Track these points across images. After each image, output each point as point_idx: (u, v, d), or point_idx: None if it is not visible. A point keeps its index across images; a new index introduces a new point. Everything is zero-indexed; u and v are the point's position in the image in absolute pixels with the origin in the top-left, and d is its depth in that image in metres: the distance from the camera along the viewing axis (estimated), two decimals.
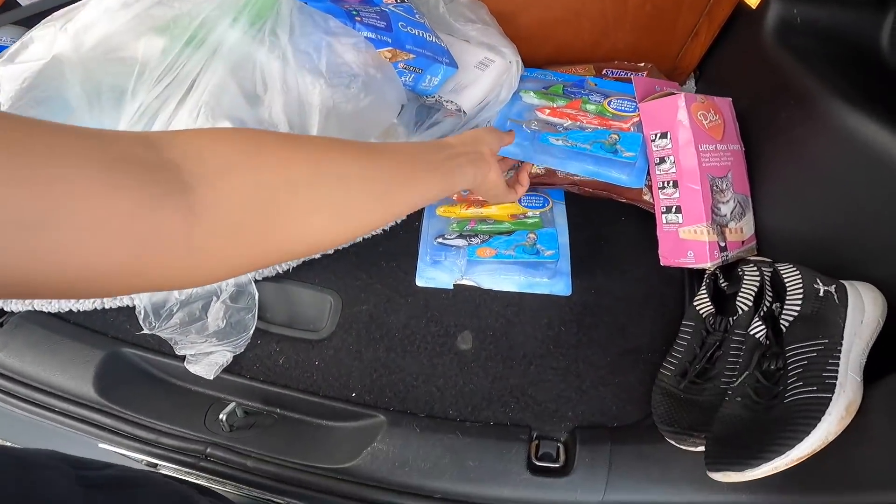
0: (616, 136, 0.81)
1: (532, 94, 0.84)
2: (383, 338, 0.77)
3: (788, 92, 0.76)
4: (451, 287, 0.79)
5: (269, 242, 0.41)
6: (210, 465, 0.71)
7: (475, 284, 0.78)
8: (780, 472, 0.58)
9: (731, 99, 0.84)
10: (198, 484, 0.74)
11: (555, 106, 0.82)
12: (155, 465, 0.75)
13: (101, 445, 0.74)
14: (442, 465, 0.68)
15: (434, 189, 0.59)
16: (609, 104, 0.83)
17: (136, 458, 0.74)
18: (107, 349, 0.74)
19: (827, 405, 0.59)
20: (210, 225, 0.36)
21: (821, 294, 0.68)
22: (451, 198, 0.86)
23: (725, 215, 0.78)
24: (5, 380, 0.74)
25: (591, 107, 0.82)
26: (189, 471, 0.71)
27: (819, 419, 0.58)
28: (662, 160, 0.79)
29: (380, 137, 0.77)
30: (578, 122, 0.81)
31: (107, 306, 0.76)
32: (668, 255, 0.80)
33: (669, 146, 0.78)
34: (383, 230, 0.83)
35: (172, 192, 0.34)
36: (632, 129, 0.79)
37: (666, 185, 0.79)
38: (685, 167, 0.77)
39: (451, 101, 0.79)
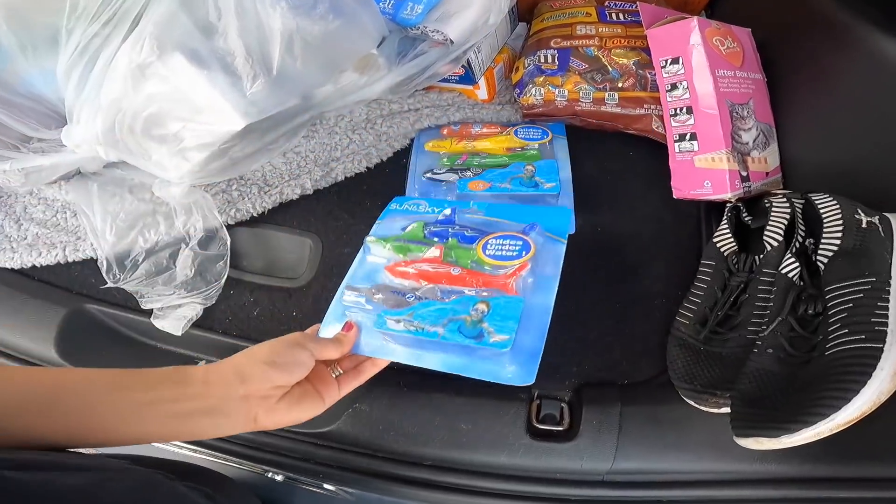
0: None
1: (381, 242, 0.61)
2: None
3: (815, 21, 0.67)
4: None
5: None
6: None
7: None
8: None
9: (749, 29, 0.74)
10: (183, 463, 0.67)
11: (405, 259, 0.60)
12: None
13: None
14: (431, 428, 0.59)
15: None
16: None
17: None
18: (69, 306, 0.67)
19: (878, 357, 0.48)
20: None
21: (863, 225, 0.57)
22: (440, 133, 0.76)
23: (747, 143, 0.67)
24: None
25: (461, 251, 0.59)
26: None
27: (870, 374, 0.47)
28: (674, 86, 0.69)
29: (357, 68, 0.67)
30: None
31: (69, 259, 0.69)
32: (682, 187, 0.69)
33: (682, 71, 0.68)
34: (367, 167, 0.73)
35: None
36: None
37: (679, 111, 0.69)
38: (700, 92, 0.67)
39: (438, 31, 0.68)
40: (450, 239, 0.60)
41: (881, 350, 0.49)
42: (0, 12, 0.57)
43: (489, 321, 0.52)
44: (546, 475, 0.60)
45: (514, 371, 0.51)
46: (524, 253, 0.57)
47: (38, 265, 0.69)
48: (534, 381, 0.50)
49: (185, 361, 0.66)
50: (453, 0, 0.70)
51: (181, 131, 0.61)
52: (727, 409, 0.56)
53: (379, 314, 0.55)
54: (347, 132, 0.73)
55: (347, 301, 0.58)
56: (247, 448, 0.63)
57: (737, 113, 0.67)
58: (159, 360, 0.67)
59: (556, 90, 0.74)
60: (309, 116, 0.69)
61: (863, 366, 0.48)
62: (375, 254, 0.61)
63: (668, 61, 0.69)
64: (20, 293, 0.67)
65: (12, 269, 0.69)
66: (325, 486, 0.67)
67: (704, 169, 0.67)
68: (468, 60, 0.71)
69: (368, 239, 0.61)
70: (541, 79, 0.75)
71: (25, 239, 0.69)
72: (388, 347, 0.55)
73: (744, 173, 0.66)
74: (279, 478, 0.68)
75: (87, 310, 0.67)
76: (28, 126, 0.64)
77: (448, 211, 0.64)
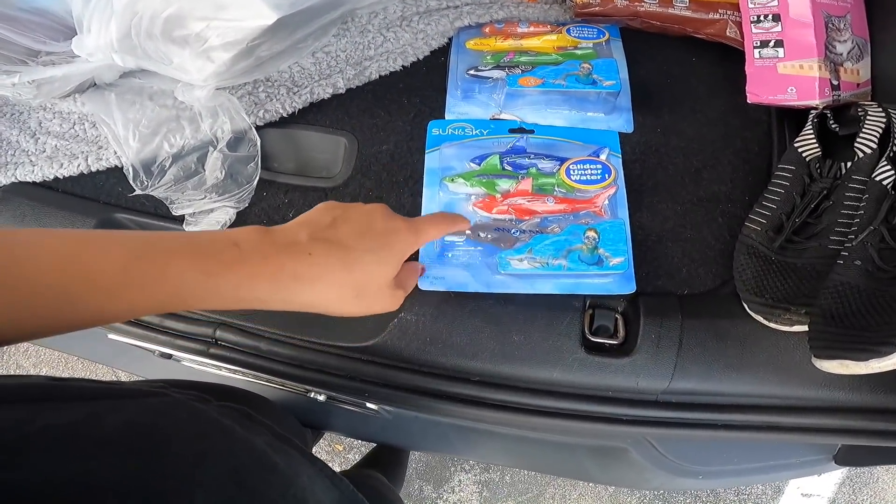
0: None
1: (460, 179, 0.55)
2: (407, 180, 0.57)
3: None
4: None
5: None
6: (220, 351, 0.55)
7: (516, 119, 0.58)
8: None
9: None
10: (220, 385, 0.60)
11: (497, 195, 0.54)
12: (169, 356, 0.61)
13: (110, 336, 0.59)
14: (481, 339, 0.50)
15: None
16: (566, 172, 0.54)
17: (147, 348, 0.60)
18: (98, 216, 0.57)
19: None
20: None
21: None
22: (482, 31, 0.64)
23: (842, 54, 0.56)
24: None
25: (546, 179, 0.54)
26: (200, 359, 0.57)
27: None
28: None
29: None
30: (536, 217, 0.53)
31: (92, 168, 0.59)
32: (761, 92, 0.57)
33: None
34: (402, 66, 0.61)
35: None
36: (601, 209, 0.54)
37: (762, 18, 0.57)
38: (797, 3, 0.55)
39: None
40: (530, 168, 0.55)
41: None
42: None
43: (603, 247, 0.52)
44: (599, 392, 0.51)
45: (618, 281, 0.51)
46: (607, 175, 0.55)
47: (60, 177, 0.58)
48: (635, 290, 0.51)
49: None
50: None
51: (205, 30, 0.51)
52: (799, 328, 0.47)
53: (499, 255, 0.51)
54: (381, 30, 0.60)
55: (452, 242, 0.52)
56: (290, 367, 0.55)
57: (833, 24, 0.55)
58: None
59: None
60: (340, 13, 0.57)
61: None
62: (455, 190, 0.53)
63: None
64: (45, 206, 0.58)
65: (34, 183, 0.60)
66: (368, 404, 0.61)
67: (789, 75, 0.55)
68: None
69: (445, 178, 0.54)
70: None
71: (44, 152, 0.59)
72: (500, 280, 0.51)
73: (835, 82, 0.55)
74: (321, 398, 0.61)
75: (116, 219, 0.58)
76: (34, 40, 0.53)
77: (520, 141, 0.57)
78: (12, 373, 1.41)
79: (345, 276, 0.36)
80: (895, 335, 0.40)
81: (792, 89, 0.56)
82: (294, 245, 0.36)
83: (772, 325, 0.49)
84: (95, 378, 0.47)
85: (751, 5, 0.58)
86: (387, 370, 0.53)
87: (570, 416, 0.53)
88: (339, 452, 1.32)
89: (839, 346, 0.42)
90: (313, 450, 1.02)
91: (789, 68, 0.56)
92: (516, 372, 0.51)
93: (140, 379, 0.61)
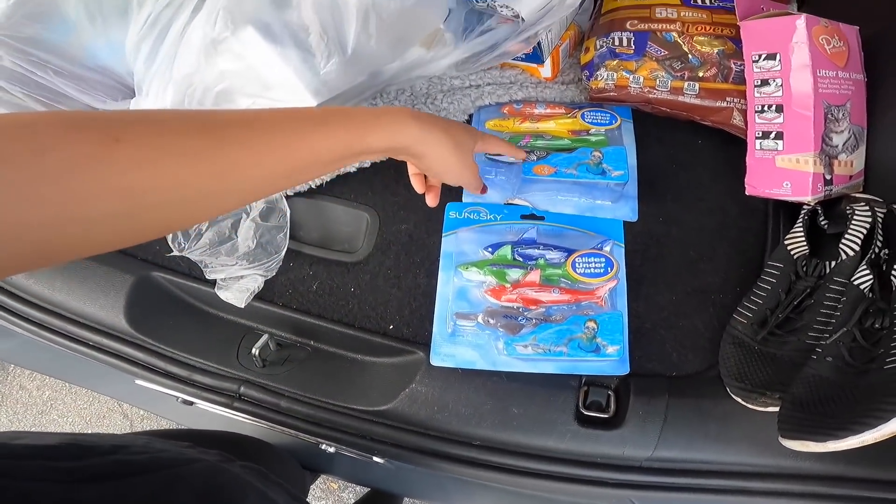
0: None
1: (473, 268, 0.63)
2: (423, 262, 0.67)
3: None
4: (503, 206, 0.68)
5: (61, 259, 0.33)
6: (243, 405, 0.66)
7: (528, 205, 0.67)
8: None
9: (858, 28, 0.67)
10: (235, 436, 0.69)
11: (507, 284, 0.63)
12: (191, 403, 0.71)
13: (138, 382, 0.70)
14: (484, 410, 0.61)
15: (339, 163, 0.45)
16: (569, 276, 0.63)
17: (171, 395, 0.69)
18: (137, 273, 0.68)
19: None
20: None
21: None
22: (500, 111, 0.72)
23: (837, 146, 0.64)
24: (36, 310, 0.69)
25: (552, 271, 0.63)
26: (224, 410, 0.67)
27: None
28: (765, 82, 0.64)
29: (423, 43, 0.64)
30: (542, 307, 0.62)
31: None
32: (758, 184, 0.66)
33: (777, 68, 0.63)
34: None
35: None
36: (602, 301, 0.63)
37: (766, 108, 0.65)
38: (797, 92, 0.62)
39: (507, 6, 0.63)
40: (538, 259, 0.64)
41: None
42: None
43: (601, 336, 0.61)
44: (588, 459, 0.61)
45: (614, 363, 0.60)
46: (609, 269, 0.63)
47: None
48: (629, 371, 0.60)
49: (246, 332, 0.68)
50: None
51: (250, 107, 0.60)
52: (773, 409, 0.57)
53: (507, 341, 0.61)
54: (407, 106, 0.70)
55: (463, 325, 0.62)
56: (307, 423, 0.65)
57: (832, 115, 0.63)
58: (225, 329, 0.69)
59: (631, 76, 0.70)
60: (372, 92, 0.66)
61: None
62: (469, 278, 0.64)
63: (763, 56, 0.64)
64: (88, 259, 0.68)
65: None
66: (375, 459, 0.70)
67: (786, 169, 0.64)
68: (539, 39, 0.66)
69: (460, 266, 0.64)
70: (614, 62, 0.70)
71: None
72: (505, 360, 0.60)
73: (828, 177, 0.63)
74: (331, 449, 0.70)
75: (153, 278, 0.68)
76: (95, 98, 0.62)
77: (530, 232, 0.66)
78: (15, 393, 1.50)
79: (447, 133, 0.52)
80: (851, 422, 0.49)
81: (787, 184, 0.64)
82: (410, 109, 0.50)
83: (749, 405, 0.59)
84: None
85: (757, 94, 0.66)
86: (397, 432, 0.63)
87: (562, 479, 0.62)
88: (333, 490, 1.42)
89: (803, 429, 0.52)
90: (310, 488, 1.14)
91: (786, 162, 0.65)
92: (514, 439, 0.62)
93: (150, 428, 0.70)
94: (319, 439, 0.67)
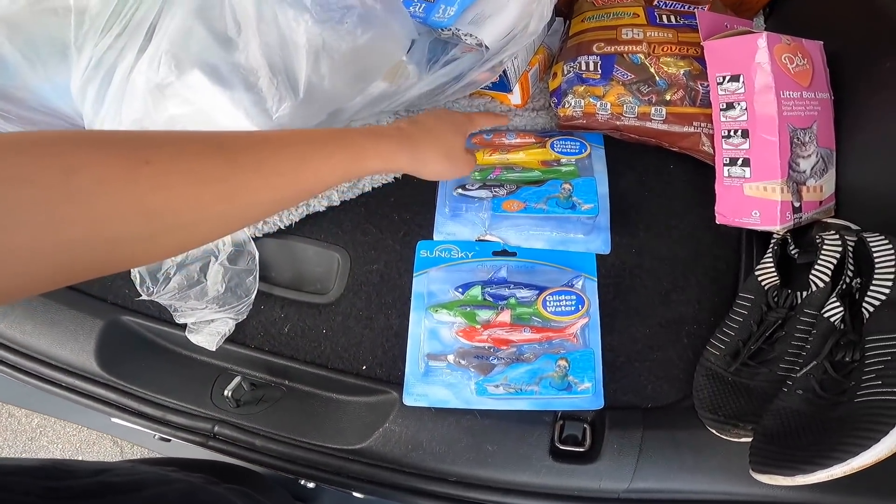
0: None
1: (443, 310, 0.64)
2: (395, 302, 0.67)
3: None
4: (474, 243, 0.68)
5: (81, 278, 0.33)
6: (218, 444, 0.66)
7: (500, 241, 0.68)
8: None
9: (822, 43, 0.67)
10: (221, 463, 0.70)
11: (477, 325, 0.63)
12: (168, 439, 0.71)
13: (114, 420, 0.70)
14: (458, 448, 0.62)
15: (334, 185, 0.50)
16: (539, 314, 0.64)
17: (147, 433, 0.70)
18: (106, 317, 0.68)
19: None
20: None
21: None
22: (470, 141, 0.72)
23: (805, 171, 0.64)
24: (10, 353, 0.70)
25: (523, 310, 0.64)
26: (200, 449, 0.67)
27: (893, 426, 0.47)
28: (730, 105, 0.64)
29: (386, 77, 0.64)
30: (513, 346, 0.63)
31: None
32: (728, 214, 0.66)
33: (741, 91, 0.63)
34: (395, 177, 0.72)
35: None
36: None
37: (732, 133, 0.65)
38: (761, 115, 0.62)
39: (471, 35, 0.63)
40: (509, 299, 0.65)
41: None
42: (3, 31, 0.54)
43: (572, 374, 0.62)
44: (565, 493, 0.62)
45: (588, 398, 0.61)
46: (580, 307, 0.64)
47: None
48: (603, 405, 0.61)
49: (220, 372, 0.69)
50: (489, 2, 0.64)
51: None
52: (746, 439, 0.58)
53: (478, 382, 0.62)
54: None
55: (435, 366, 0.63)
56: (283, 461, 0.66)
57: (798, 139, 0.63)
58: (198, 370, 0.70)
59: (598, 102, 0.70)
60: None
61: (888, 416, 0.48)
62: (439, 319, 0.64)
63: (727, 78, 0.64)
64: (56, 303, 0.69)
65: None
66: (355, 494, 0.70)
67: (754, 198, 0.64)
68: (504, 67, 0.66)
69: (430, 308, 0.65)
70: (581, 88, 0.70)
71: None
72: (478, 399, 0.61)
73: (796, 204, 0.64)
74: (311, 485, 0.71)
75: (123, 321, 0.69)
76: None
77: (500, 271, 0.67)
78: (3, 420, 1.51)
79: (436, 145, 0.57)
80: (820, 456, 0.50)
81: (756, 213, 0.65)
82: (399, 130, 0.55)
83: (724, 436, 0.60)
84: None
85: (723, 119, 0.65)
86: (372, 469, 0.64)
87: None
88: None
89: (772, 464, 0.53)
90: None
91: (755, 190, 0.65)
92: (490, 475, 0.62)
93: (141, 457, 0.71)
94: (297, 476, 0.67)
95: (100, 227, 0.31)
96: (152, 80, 0.53)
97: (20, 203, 0.28)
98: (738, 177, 0.65)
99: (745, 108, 0.63)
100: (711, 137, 0.68)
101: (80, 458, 1.43)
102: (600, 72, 0.70)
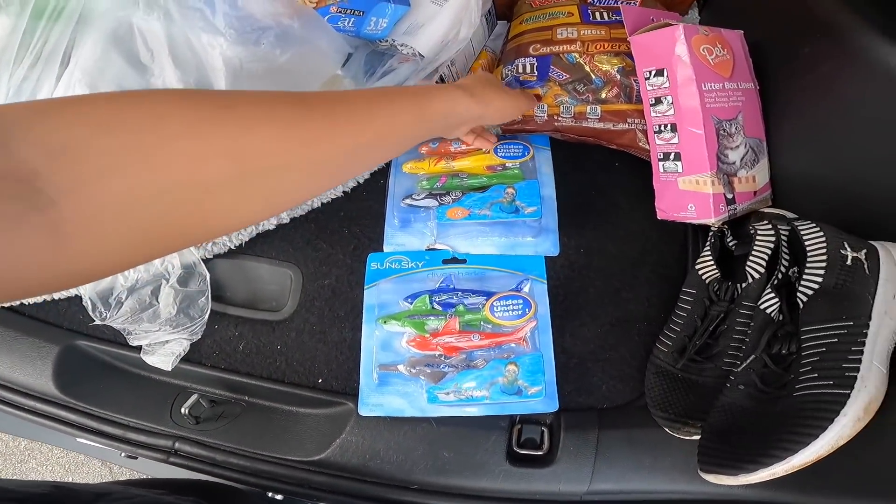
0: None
1: (392, 320, 0.64)
2: (348, 315, 0.68)
3: (815, 24, 0.61)
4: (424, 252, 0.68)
5: (172, 242, 0.35)
6: (180, 460, 0.67)
7: (449, 249, 0.68)
8: None
9: (742, 31, 0.67)
10: (213, 484, 0.71)
11: (426, 334, 0.64)
12: (135, 457, 0.72)
13: (79, 440, 0.71)
14: (415, 456, 0.62)
15: (411, 135, 0.51)
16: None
17: (114, 450, 0.71)
18: (62, 343, 0.69)
19: (843, 404, 0.49)
20: (82, 245, 0.29)
21: (848, 262, 0.55)
22: (418, 151, 0.73)
23: (734, 163, 0.64)
24: None
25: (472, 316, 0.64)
26: (162, 465, 0.68)
27: (831, 420, 0.48)
28: (658, 100, 0.64)
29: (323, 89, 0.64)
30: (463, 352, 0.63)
31: (56, 297, 0.70)
32: (667, 209, 0.67)
33: (666, 85, 0.63)
34: (343, 191, 0.72)
35: (30, 209, 0.27)
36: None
37: (663, 128, 0.65)
38: (685, 108, 0.62)
39: (406, 45, 0.63)
40: (458, 306, 0.65)
41: (847, 396, 0.49)
42: None
43: (522, 378, 0.61)
44: (525, 496, 0.63)
45: (542, 401, 0.60)
46: (527, 310, 0.64)
47: (26, 303, 0.70)
48: (558, 407, 0.60)
49: (179, 391, 0.69)
50: (420, 11, 0.65)
51: None
52: (698, 437, 0.58)
53: (428, 390, 0.61)
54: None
55: (387, 375, 0.63)
56: (245, 475, 0.66)
57: (724, 130, 0.63)
58: (157, 389, 0.70)
59: (536, 104, 0.70)
60: None
61: (826, 411, 0.49)
62: (389, 330, 0.64)
63: (653, 73, 0.64)
64: (13, 331, 0.70)
65: (3, 307, 0.70)
66: None
67: (688, 191, 0.64)
68: (441, 74, 0.67)
69: (379, 320, 0.65)
70: None
71: None
72: (433, 406, 0.61)
73: (729, 196, 0.64)
74: (279, 497, 0.72)
75: (79, 346, 0.69)
76: None
77: (444, 283, 0.67)
78: None
79: (494, 85, 0.59)
80: (762, 455, 0.50)
81: (692, 206, 0.65)
82: (458, 83, 0.58)
83: (676, 435, 0.60)
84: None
85: (653, 114, 0.65)
86: (333, 479, 0.65)
87: None
88: None
89: (717, 462, 0.53)
90: None
91: (688, 184, 0.65)
92: (449, 482, 0.63)
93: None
94: (260, 489, 0.68)
95: (192, 170, 0.33)
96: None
97: (116, 148, 0.30)
98: (672, 171, 0.65)
99: (672, 103, 0.63)
100: (646, 133, 0.68)
101: (69, 480, 1.44)
102: (536, 73, 0.70)
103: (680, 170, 0.64)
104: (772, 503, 0.60)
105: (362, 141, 0.43)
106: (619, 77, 0.68)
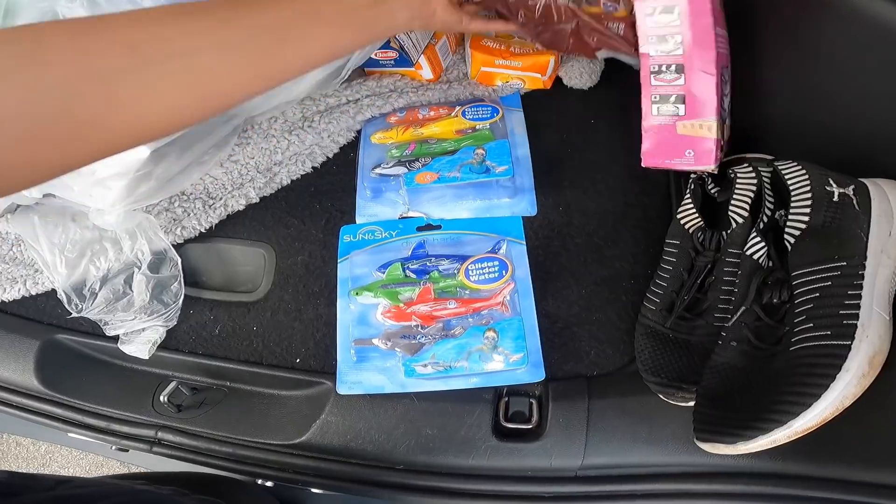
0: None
1: (365, 291, 0.62)
2: (322, 291, 0.65)
3: None
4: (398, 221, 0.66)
5: (87, 131, 0.36)
6: (163, 449, 0.65)
7: (423, 216, 0.65)
8: None
9: None
10: (197, 474, 0.70)
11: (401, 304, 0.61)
12: (126, 450, 0.71)
13: (71, 435, 0.70)
14: (396, 434, 0.59)
15: (342, 43, 0.49)
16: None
17: (103, 445, 0.70)
18: (41, 337, 0.68)
19: (844, 357, 0.44)
20: None
21: (835, 198, 0.51)
22: (386, 122, 0.70)
23: (726, 109, 0.60)
24: None
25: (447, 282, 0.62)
26: (147, 455, 0.67)
27: (833, 377, 0.43)
28: (663, 39, 0.58)
29: None
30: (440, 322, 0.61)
31: (31, 292, 0.69)
32: (656, 155, 0.61)
33: (676, 23, 0.57)
34: (313, 167, 0.69)
35: None
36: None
37: (664, 69, 0.59)
38: (700, 50, 0.57)
39: None
40: (431, 273, 0.62)
41: (848, 348, 0.44)
42: None
43: (502, 345, 0.59)
44: (517, 474, 0.59)
45: (527, 371, 0.58)
46: (504, 272, 0.61)
47: (4, 300, 0.69)
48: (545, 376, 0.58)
49: (160, 380, 0.68)
50: None
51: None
52: (692, 403, 0.53)
53: (404, 363, 0.59)
54: (284, 133, 0.67)
55: (363, 350, 0.61)
56: (228, 461, 0.64)
57: (724, 77, 0.59)
58: (138, 379, 0.68)
59: None
60: (234, 125, 0.64)
61: (826, 366, 0.44)
62: (363, 302, 0.62)
63: (658, 9, 0.57)
64: None
65: None
66: (312, 490, 0.69)
67: (687, 136, 0.59)
68: (399, 42, 0.64)
69: (352, 291, 0.62)
70: None
71: None
72: (414, 381, 0.59)
73: (722, 142, 0.60)
74: (269, 483, 0.70)
75: (59, 340, 0.68)
76: None
77: (418, 249, 0.64)
78: (13, 449, 1.54)
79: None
80: (760, 419, 0.45)
81: (690, 152, 0.60)
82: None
83: (672, 401, 0.56)
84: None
85: (653, 53, 0.59)
86: (317, 461, 0.62)
87: (493, 497, 0.60)
88: None
89: (713, 430, 0.49)
90: None
91: (688, 128, 0.60)
92: (434, 461, 0.60)
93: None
94: (247, 476, 0.66)
95: (82, 63, 0.34)
96: None
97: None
98: (670, 114, 0.59)
99: (681, 42, 0.57)
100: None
101: None
102: None
103: (681, 113, 0.59)
104: (783, 474, 0.55)
105: (273, 22, 0.43)
106: None
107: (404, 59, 0.68)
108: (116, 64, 0.35)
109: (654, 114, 0.61)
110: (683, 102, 0.59)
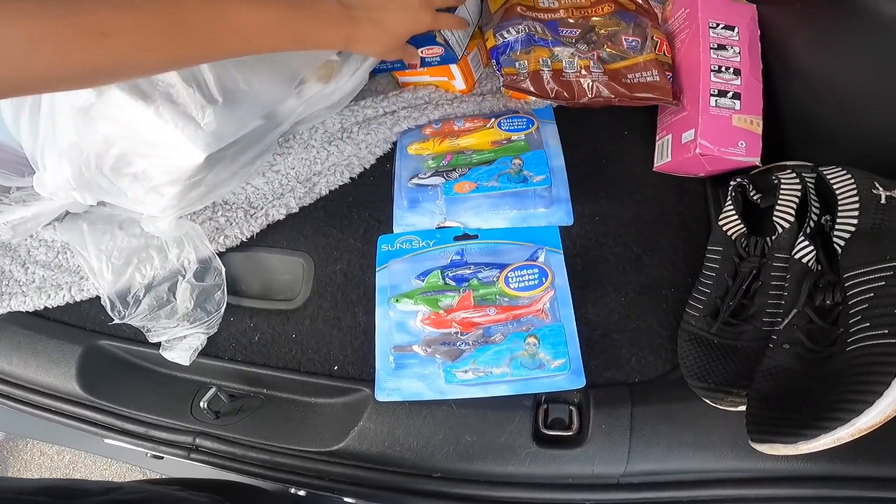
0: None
1: (405, 299, 0.61)
2: (361, 299, 0.64)
3: None
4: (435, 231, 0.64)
5: None
6: (201, 456, 0.63)
7: (460, 225, 0.64)
8: None
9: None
10: (230, 482, 0.69)
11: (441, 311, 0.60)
12: (160, 457, 0.69)
13: (107, 441, 0.69)
14: (435, 442, 0.57)
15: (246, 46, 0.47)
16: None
17: (139, 452, 0.68)
18: (85, 343, 0.66)
19: None
20: None
21: (882, 201, 0.49)
22: (422, 133, 0.69)
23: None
24: (2, 384, 0.70)
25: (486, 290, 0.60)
26: (184, 461, 0.65)
27: (894, 374, 0.41)
28: (723, 47, 0.62)
29: (320, 78, 0.61)
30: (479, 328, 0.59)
31: (76, 299, 0.68)
32: (713, 143, 0.60)
33: (736, 38, 0.62)
34: (350, 178, 0.68)
35: None
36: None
37: (724, 69, 0.62)
38: (753, 61, 0.62)
39: None
40: (471, 280, 0.61)
41: None
42: None
43: (543, 351, 0.57)
44: (558, 481, 0.56)
45: (567, 377, 0.56)
46: (544, 279, 0.60)
47: (49, 307, 0.69)
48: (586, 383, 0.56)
49: (199, 387, 0.66)
50: None
51: (149, 168, 0.57)
52: (744, 408, 0.51)
53: (445, 369, 0.57)
54: (324, 144, 0.67)
55: (402, 357, 0.59)
56: (264, 469, 0.62)
57: None
58: (175, 386, 0.67)
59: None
60: (279, 133, 0.64)
61: (886, 364, 0.42)
62: (402, 309, 0.60)
63: (721, 25, 0.63)
64: (38, 334, 0.68)
65: (27, 312, 0.70)
66: (345, 499, 0.67)
67: (741, 129, 0.60)
68: (444, 36, 0.63)
69: (392, 299, 0.61)
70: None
71: (34, 282, 0.69)
72: (453, 387, 0.57)
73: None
74: (302, 492, 0.68)
75: (101, 346, 0.67)
76: (2, 176, 0.62)
77: (457, 256, 0.63)
78: (36, 459, 1.53)
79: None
80: (822, 418, 0.43)
81: (742, 143, 0.60)
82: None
83: (719, 406, 0.53)
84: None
85: (713, 56, 0.62)
86: (354, 469, 0.60)
87: None
88: None
89: (770, 431, 0.46)
90: None
91: (742, 122, 0.61)
92: (473, 468, 0.57)
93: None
94: (285, 484, 0.64)
95: None
96: (74, 105, 0.51)
97: None
98: (728, 108, 0.61)
99: (739, 52, 0.62)
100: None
101: None
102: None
103: (737, 108, 0.61)
104: (842, 477, 0.53)
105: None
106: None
107: (450, 56, 0.66)
108: None
109: (713, 105, 0.61)
110: (739, 99, 0.61)
